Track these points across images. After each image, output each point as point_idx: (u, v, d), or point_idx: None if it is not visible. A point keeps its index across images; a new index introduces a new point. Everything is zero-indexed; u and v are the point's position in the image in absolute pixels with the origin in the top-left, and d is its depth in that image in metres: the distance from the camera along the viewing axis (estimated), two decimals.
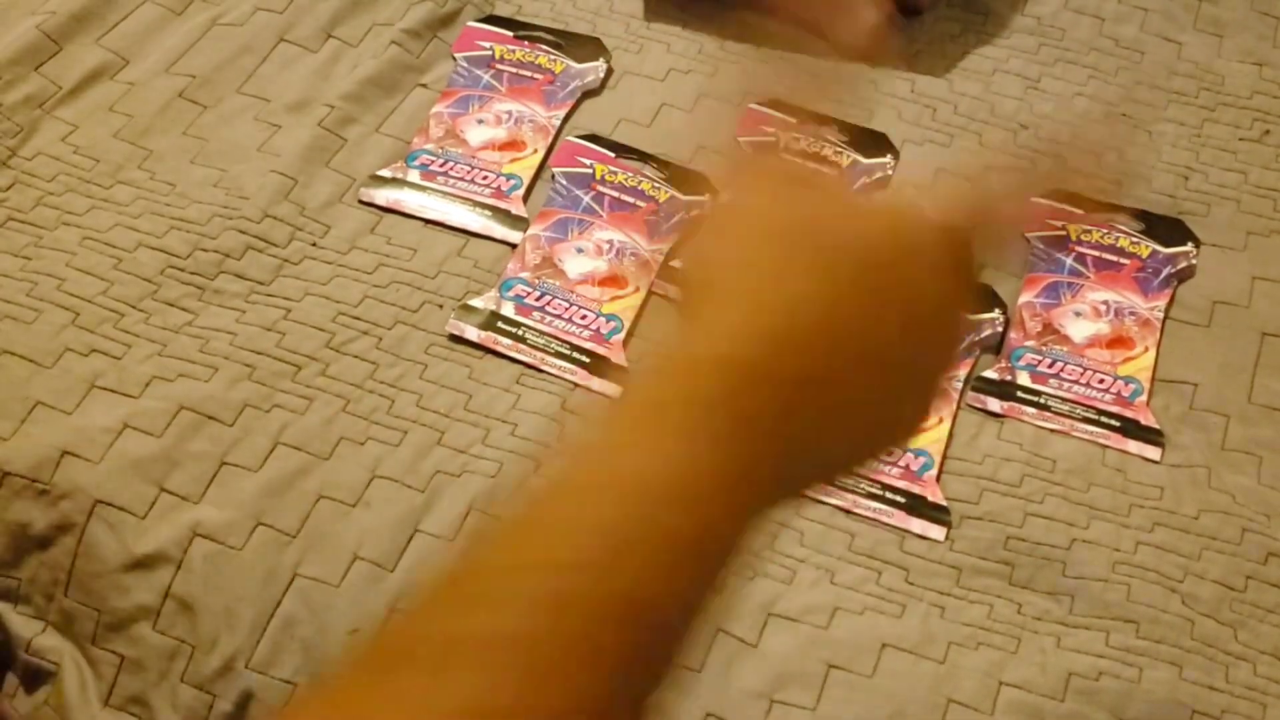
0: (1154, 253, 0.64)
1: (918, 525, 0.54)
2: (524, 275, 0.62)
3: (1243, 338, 0.62)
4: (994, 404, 0.59)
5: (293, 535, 0.54)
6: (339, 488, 0.55)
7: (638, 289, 0.62)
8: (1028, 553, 0.54)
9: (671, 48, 0.74)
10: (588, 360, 0.59)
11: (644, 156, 0.67)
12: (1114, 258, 0.64)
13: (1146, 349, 0.60)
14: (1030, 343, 0.61)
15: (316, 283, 0.62)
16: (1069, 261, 0.64)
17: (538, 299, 0.61)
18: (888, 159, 0.68)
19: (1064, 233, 0.65)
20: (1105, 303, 0.62)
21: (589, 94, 0.71)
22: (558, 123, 0.69)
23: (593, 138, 0.69)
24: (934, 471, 0.56)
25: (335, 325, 0.60)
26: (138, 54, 0.72)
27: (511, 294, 0.61)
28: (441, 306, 0.61)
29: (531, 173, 0.67)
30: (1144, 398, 0.59)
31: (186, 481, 0.55)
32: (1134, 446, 0.57)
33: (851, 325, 0.32)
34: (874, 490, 0.55)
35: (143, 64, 0.71)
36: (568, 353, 0.59)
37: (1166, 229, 0.65)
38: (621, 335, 0.60)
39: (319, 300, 0.61)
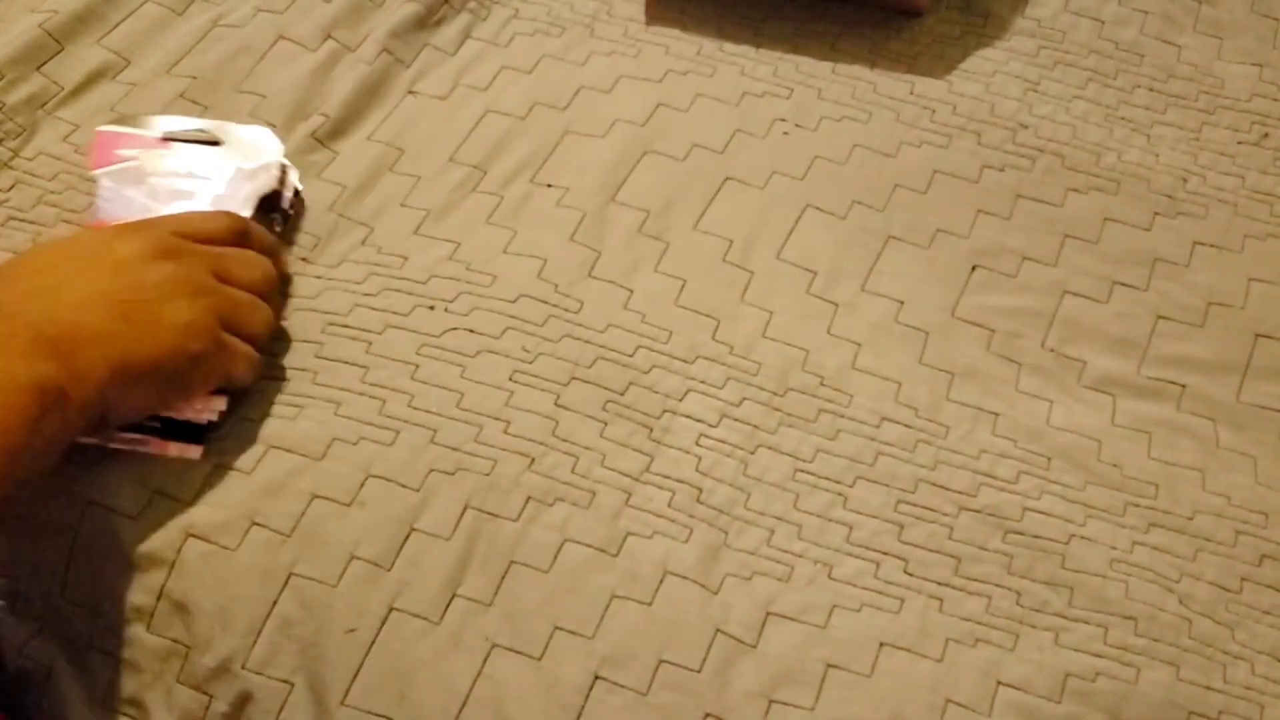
0: (235, 172, 0.63)
1: (175, 449, 0.55)
2: None
3: (1236, 338, 0.62)
4: None
5: (287, 535, 0.54)
6: (333, 488, 0.55)
7: None
8: (1026, 545, 0.54)
9: (670, 50, 0.74)
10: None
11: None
12: (190, 185, 0.62)
13: None
14: None
15: (305, 297, 0.62)
16: (140, 198, 0.61)
17: None
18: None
19: (138, 163, 0.63)
20: None
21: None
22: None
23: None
24: None
25: (324, 336, 0.60)
26: (139, 54, 0.72)
27: None
28: (432, 308, 0.61)
29: None
30: None
31: (179, 483, 0.55)
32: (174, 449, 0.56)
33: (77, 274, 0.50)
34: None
35: (144, 64, 0.71)
36: None
37: (244, 149, 0.64)
38: None
39: (307, 315, 0.61)
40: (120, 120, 0.65)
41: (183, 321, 0.51)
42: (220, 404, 0.56)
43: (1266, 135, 0.71)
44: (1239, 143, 0.70)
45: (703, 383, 0.59)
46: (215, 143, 0.64)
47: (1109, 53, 0.75)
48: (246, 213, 0.61)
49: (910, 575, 0.53)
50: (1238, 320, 0.63)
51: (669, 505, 0.55)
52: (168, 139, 0.63)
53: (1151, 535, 0.55)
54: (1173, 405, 0.60)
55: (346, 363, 0.59)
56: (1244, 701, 0.50)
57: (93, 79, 0.70)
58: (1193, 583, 0.53)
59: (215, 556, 0.53)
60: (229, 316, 0.53)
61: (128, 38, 0.72)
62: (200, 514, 0.54)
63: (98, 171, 0.62)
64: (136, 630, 0.53)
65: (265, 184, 0.63)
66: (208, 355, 0.52)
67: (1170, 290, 0.64)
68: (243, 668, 0.51)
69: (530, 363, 0.59)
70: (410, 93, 0.72)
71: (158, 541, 0.53)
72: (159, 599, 0.53)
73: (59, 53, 0.71)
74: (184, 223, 0.56)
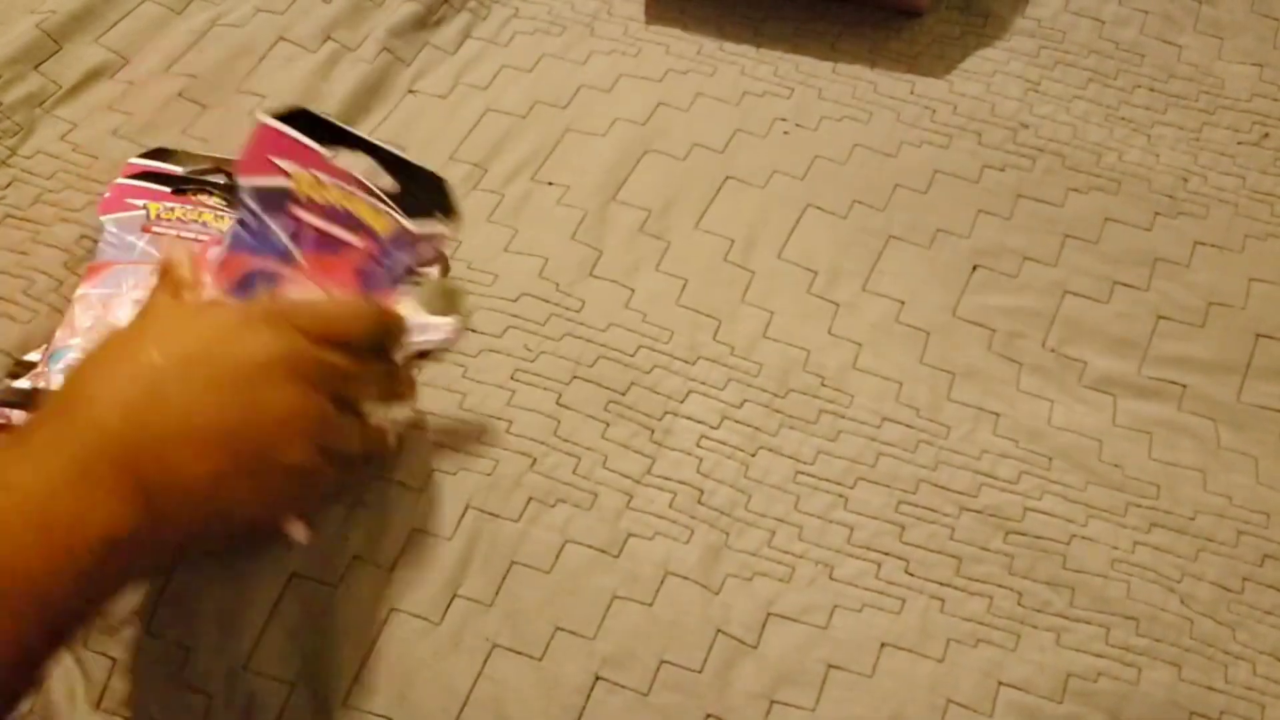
0: (399, 231, 0.48)
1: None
2: (75, 341, 0.51)
3: (1237, 338, 0.62)
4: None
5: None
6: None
7: None
8: (1028, 546, 0.54)
9: (670, 49, 0.74)
10: None
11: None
12: (343, 233, 0.48)
13: None
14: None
15: None
16: (279, 234, 0.46)
17: None
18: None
19: (291, 182, 0.47)
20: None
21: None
22: None
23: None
24: None
25: None
26: (137, 53, 0.72)
27: (61, 365, 0.51)
28: None
29: None
30: None
31: None
32: None
33: (190, 416, 0.40)
34: None
35: (143, 63, 0.71)
36: None
37: (422, 191, 0.49)
38: None
39: None
40: (289, 113, 0.49)
41: (292, 465, 0.43)
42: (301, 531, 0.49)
43: (1267, 135, 0.71)
44: (1239, 143, 0.70)
45: (704, 384, 0.59)
46: (393, 167, 0.51)
47: (1109, 53, 0.75)
48: (393, 290, 0.50)
49: (911, 576, 0.53)
50: (1238, 320, 0.63)
51: (670, 506, 0.55)
52: (332, 169, 0.49)
53: (1153, 535, 0.55)
54: (1174, 405, 0.60)
55: None
56: (1245, 702, 0.50)
57: (91, 78, 0.70)
58: (1194, 583, 0.53)
59: (216, 557, 0.53)
60: (336, 445, 0.46)
61: (126, 37, 0.72)
62: None
63: (242, 186, 0.48)
64: (135, 632, 0.53)
65: (425, 255, 0.50)
66: (305, 495, 0.47)
67: (1171, 290, 0.64)
68: (244, 668, 0.51)
69: (532, 361, 0.59)
70: (410, 92, 0.72)
71: None
72: (159, 600, 0.53)
73: (57, 52, 0.71)
74: (325, 322, 0.45)
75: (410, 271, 0.49)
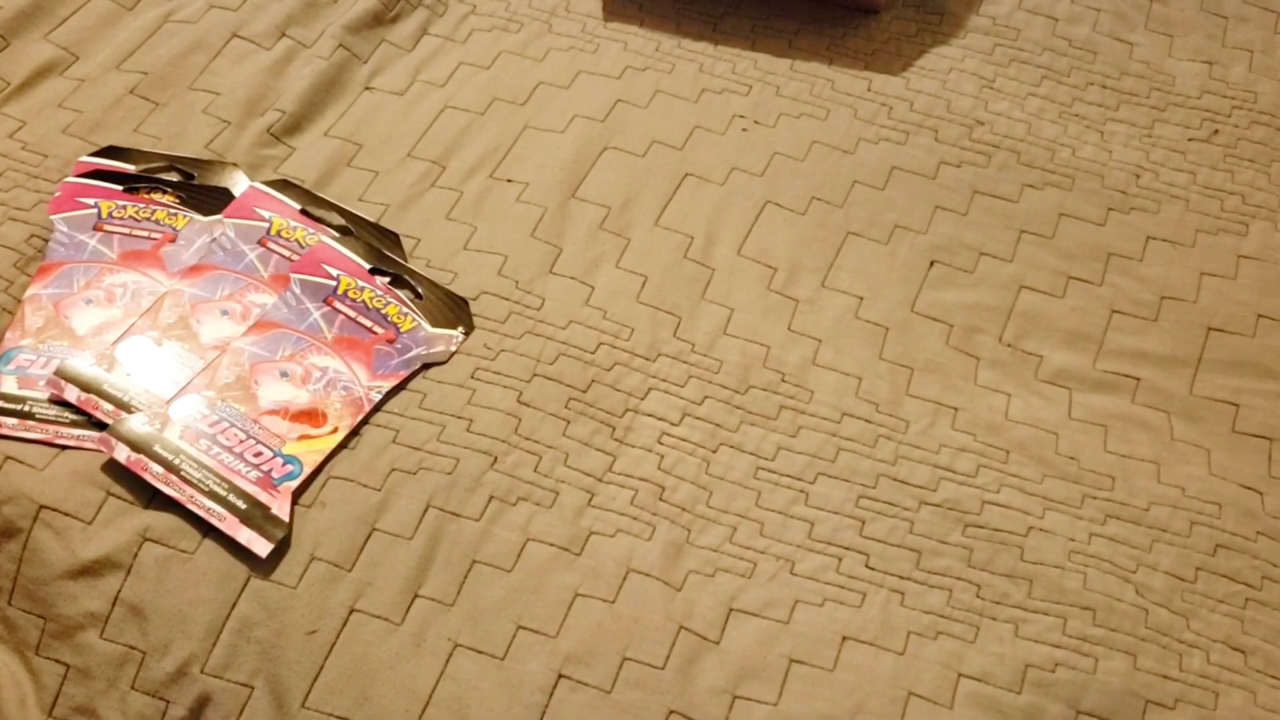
0: (418, 330, 0.58)
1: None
2: (26, 342, 0.55)
3: (1189, 332, 0.63)
4: None
5: None
6: None
7: (335, 430, 0.55)
8: (986, 538, 0.55)
9: (629, 46, 0.74)
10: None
11: (371, 230, 0.61)
12: (369, 323, 0.58)
13: (335, 430, 0.55)
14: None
15: None
16: (315, 311, 0.57)
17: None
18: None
19: (334, 283, 0.58)
20: (320, 369, 0.57)
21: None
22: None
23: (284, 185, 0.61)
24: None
25: None
26: (88, 49, 0.71)
27: (12, 365, 0.54)
28: None
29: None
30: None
31: (134, 486, 0.54)
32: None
33: None
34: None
35: (93, 59, 0.70)
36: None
37: (454, 306, 0.60)
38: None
39: None
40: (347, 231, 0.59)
41: None
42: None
43: (1217, 131, 0.72)
44: (1190, 139, 0.71)
45: (664, 380, 0.59)
46: (431, 287, 0.60)
47: (1063, 50, 0.75)
48: (398, 372, 0.57)
49: (872, 570, 0.54)
50: (1190, 314, 0.64)
51: (631, 504, 0.55)
52: (380, 285, 0.59)
53: (1108, 526, 0.56)
54: (1128, 398, 0.60)
55: None
56: (1199, 690, 0.51)
57: (40, 74, 0.69)
58: (1149, 573, 0.54)
59: (172, 560, 0.52)
60: None
61: (76, 32, 0.71)
62: (156, 517, 0.53)
63: (294, 278, 0.58)
64: (89, 637, 0.52)
65: (438, 353, 0.58)
66: None
67: (1124, 285, 0.65)
68: (201, 671, 0.51)
69: (492, 360, 0.59)
70: (367, 89, 0.71)
71: (112, 545, 0.53)
72: (113, 604, 0.52)
73: (5, 48, 0.70)
74: None
75: (425, 365, 0.58)
